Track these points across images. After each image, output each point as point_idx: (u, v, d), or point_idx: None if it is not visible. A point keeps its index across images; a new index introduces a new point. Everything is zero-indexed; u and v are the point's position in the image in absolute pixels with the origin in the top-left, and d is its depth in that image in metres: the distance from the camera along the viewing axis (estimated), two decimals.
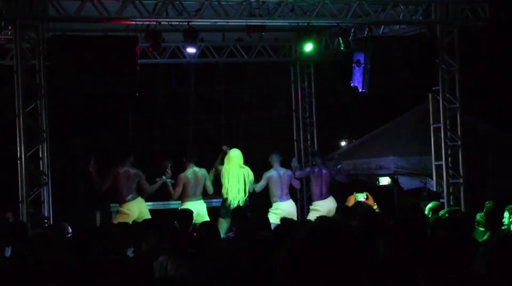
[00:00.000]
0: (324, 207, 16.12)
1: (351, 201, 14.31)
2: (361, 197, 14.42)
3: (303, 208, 17.81)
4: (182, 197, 15.68)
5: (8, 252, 9.70)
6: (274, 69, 19.42)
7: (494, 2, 15.51)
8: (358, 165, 18.05)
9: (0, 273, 7.64)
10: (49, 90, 13.50)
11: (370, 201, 14.42)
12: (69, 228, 11.64)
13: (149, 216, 14.75)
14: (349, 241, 3.10)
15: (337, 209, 14.38)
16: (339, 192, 16.91)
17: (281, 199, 15.93)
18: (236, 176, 15.79)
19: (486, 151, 16.36)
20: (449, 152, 15.69)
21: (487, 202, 12.29)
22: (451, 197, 15.37)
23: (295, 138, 19.63)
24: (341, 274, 3.15)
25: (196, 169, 15.85)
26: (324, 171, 16.66)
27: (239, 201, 15.58)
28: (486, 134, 17.03)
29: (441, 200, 14.40)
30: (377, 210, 13.36)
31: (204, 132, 18.46)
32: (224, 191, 15.81)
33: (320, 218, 12.29)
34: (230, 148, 16.16)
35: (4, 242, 9.93)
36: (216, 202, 16.45)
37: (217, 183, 16.29)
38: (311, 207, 16.72)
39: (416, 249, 7.71)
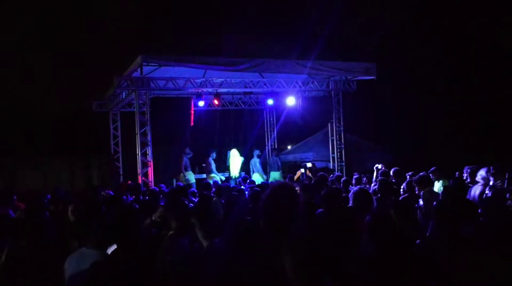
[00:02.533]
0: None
1: (298, 174, 14.43)
2: (302, 170, 14.56)
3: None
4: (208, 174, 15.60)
5: (130, 199, 9.53)
6: (256, 112, 19.34)
7: (360, 80, 15.38)
8: (297, 156, 18.08)
9: (130, 208, 7.45)
10: (152, 122, 13.49)
11: (307, 172, 14.60)
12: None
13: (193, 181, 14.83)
14: (290, 191, 3.38)
15: (287, 178, 14.43)
16: (289, 169, 17.11)
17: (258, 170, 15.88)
18: (237, 162, 15.90)
19: (354, 150, 16.42)
20: (337, 150, 15.70)
21: None
22: (339, 172, 15.20)
23: (266, 144, 19.45)
24: (287, 206, 3.42)
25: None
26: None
27: (239, 174, 15.61)
28: (355, 142, 17.07)
29: (335, 173, 14.49)
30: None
31: (222, 141, 18.27)
32: (231, 169, 15.88)
33: (277, 182, 12.57)
34: (232, 148, 16.29)
35: (126, 194, 9.91)
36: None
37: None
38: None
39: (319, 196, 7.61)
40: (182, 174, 14.76)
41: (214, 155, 15.75)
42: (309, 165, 16.00)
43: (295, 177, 14.11)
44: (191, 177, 14.92)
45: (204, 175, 15.55)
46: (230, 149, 16.50)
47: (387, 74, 15.57)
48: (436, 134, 17.95)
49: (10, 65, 20.16)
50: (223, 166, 16.55)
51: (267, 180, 15.63)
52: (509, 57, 16.73)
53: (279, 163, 16.57)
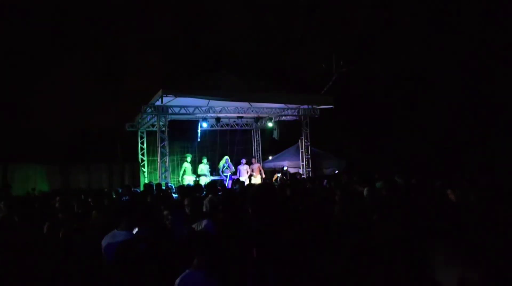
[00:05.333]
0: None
1: (275, 177, 14.42)
2: (279, 174, 14.54)
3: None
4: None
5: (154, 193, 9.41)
6: (246, 131, 19.16)
7: (321, 108, 15.39)
8: (276, 164, 18.06)
9: (155, 201, 7.40)
10: (169, 138, 13.50)
11: (282, 176, 14.56)
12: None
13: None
14: (271, 187, 3.40)
15: (264, 179, 14.44)
16: (270, 173, 17.07)
17: (242, 176, 15.58)
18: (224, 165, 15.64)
19: (317, 159, 16.42)
20: (306, 159, 15.65)
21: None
22: (307, 175, 15.32)
23: (253, 155, 18.98)
24: (268, 201, 3.42)
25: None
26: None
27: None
28: (318, 153, 17.09)
29: (302, 176, 14.57)
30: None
31: (222, 152, 17.82)
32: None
33: (260, 182, 12.51)
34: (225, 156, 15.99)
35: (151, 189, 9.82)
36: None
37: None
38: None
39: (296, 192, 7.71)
40: (183, 177, 14.67)
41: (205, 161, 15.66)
42: (285, 168, 16.00)
43: (273, 179, 14.16)
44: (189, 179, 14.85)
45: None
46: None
47: (341, 103, 15.65)
48: (375, 147, 18.11)
49: (68, 99, 20.39)
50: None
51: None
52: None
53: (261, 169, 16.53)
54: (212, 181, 10.81)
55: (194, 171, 14.96)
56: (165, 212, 4.23)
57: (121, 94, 19.97)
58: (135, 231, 4.41)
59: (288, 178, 14.90)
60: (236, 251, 3.35)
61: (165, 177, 13.46)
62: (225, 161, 15.34)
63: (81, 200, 6.92)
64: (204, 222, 4.44)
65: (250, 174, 15.19)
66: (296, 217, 4.65)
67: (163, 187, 11.30)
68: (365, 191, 7.89)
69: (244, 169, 15.78)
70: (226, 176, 15.15)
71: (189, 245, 3.15)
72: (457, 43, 16.41)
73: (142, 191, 9.46)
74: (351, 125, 18.95)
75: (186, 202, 4.63)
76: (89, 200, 6.72)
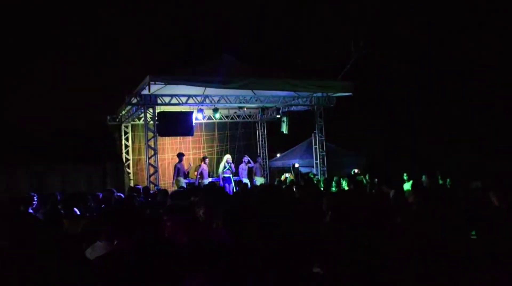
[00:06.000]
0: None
1: (283, 178, 14.32)
2: (287, 174, 14.46)
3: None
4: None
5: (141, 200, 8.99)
6: (250, 124, 18.82)
7: (338, 96, 15.16)
8: (285, 162, 18.03)
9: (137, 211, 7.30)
10: (158, 132, 13.32)
11: (291, 176, 14.49)
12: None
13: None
14: (277, 188, 3.28)
15: (270, 180, 14.36)
16: (278, 173, 16.96)
17: (244, 177, 15.37)
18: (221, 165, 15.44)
19: (334, 157, 16.32)
20: (320, 157, 15.51)
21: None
22: (321, 175, 15.09)
23: (258, 152, 18.69)
24: (274, 201, 3.31)
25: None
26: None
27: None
28: (334, 149, 16.99)
29: (316, 176, 14.43)
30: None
31: (223, 147, 17.71)
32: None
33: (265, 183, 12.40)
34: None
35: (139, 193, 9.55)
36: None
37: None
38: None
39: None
40: (177, 179, 14.44)
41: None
42: (296, 165, 15.85)
43: (282, 179, 14.03)
44: (182, 182, 14.58)
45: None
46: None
47: (361, 91, 15.46)
48: (400, 142, 18.04)
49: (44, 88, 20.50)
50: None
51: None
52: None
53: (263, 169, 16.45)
54: (212, 183, 10.65)
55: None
56: (165, 218, 4.27)
57: (100, 84, 19.91)
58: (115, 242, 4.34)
59: (300, 178, 14.78)
60: (240, 260, 3.36)
61: (154, 178, 13.21)
62: (226, 161, 15.12)
63: (53, 206, 6.74)
64: (218, 232, 4.39)
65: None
66: (304, 220, 4.82)
67: (151, 191, 11.10)
68: (391, 193, 7.79)
69: (246, 169, 15.57)
70: (227, 178, 14.89)
71: (191, 256, 3.12)
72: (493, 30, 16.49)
73: (127, 195, 9.27)
74: (373, 117, 18.76)
75: (202, 209, 4.72)
76: (59, 206, 6.62)
